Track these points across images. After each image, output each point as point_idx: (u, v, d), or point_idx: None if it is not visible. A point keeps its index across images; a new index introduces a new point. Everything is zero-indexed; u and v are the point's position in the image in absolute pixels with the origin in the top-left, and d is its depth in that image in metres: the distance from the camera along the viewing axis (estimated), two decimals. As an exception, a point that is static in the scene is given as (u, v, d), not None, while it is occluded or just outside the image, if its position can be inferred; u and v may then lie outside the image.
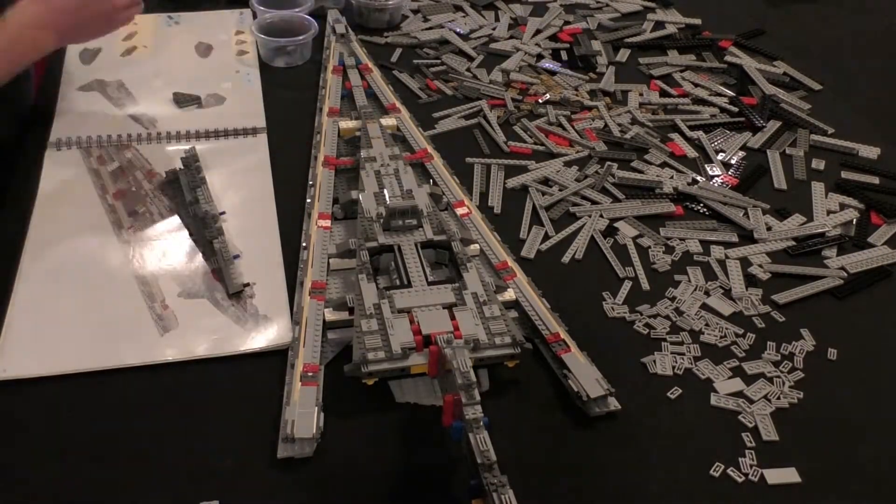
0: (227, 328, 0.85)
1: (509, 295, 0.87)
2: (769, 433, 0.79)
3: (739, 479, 0.75)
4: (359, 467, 0.74)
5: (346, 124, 1.11)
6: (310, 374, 0.78)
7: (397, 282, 0.85)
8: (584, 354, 0.83)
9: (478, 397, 0.67)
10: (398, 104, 1.18)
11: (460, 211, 0.99)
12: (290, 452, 0.73)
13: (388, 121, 1.12)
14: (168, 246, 0.94)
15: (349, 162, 1.05)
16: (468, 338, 0.77)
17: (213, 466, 0.73)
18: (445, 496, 0.72)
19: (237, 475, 0.72)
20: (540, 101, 1.25)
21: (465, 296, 0.82)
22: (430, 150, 1.09)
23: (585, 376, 0.80)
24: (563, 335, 0.84)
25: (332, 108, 1.16)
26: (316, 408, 0.75)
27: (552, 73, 1.33)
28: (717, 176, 1.13)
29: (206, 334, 0.84)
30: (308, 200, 1.00)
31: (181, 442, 0.74)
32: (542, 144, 1.17)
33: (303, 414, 0.74)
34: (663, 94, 1.30)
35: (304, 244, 0.93)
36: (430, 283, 0.84)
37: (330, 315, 0.84)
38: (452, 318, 0.80)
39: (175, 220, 0.98)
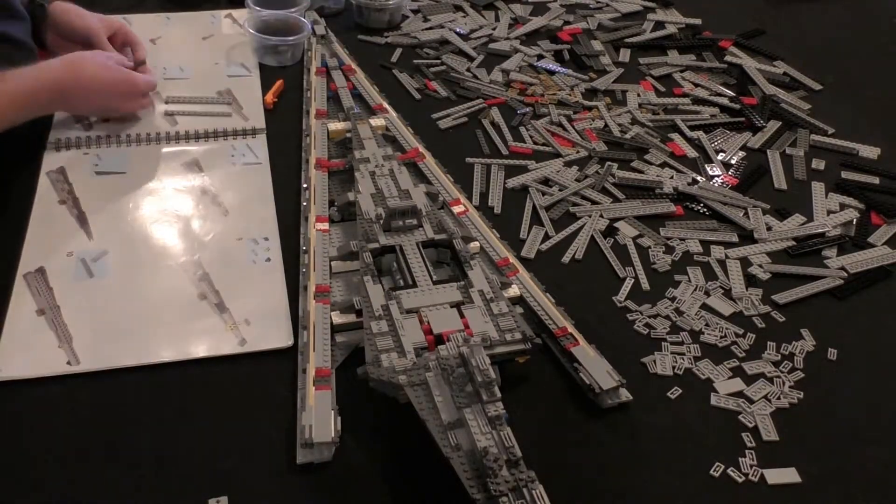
0: (226, 329, 0.85)
1: (513, 291, 0.87)
2: (769, 433, 0.79)
3: (739, 479, 0.75)
4: (365, 468, 0.73)
5: (335, 126, 1.11)
6: (323, 378, 0.78)
7: (401, 282, 0.85)
8: (592, 347, 0.83)
9: (498, 394, 0.67)
10: (385, 104, 1.18)
11: (457, 209, 0.99)
12: (310, 458, 0.72)
13: (376, 121, 1.11)
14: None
15: (341, 164, 1.05)
16: (480, 335, 0.77)
17: (214, 466, 0.72)
18: (462, 496, 0.71)
19: (237, 473, 0.72)
20: (538, 101, 1.25)
21: (472, 293, 0.82)
22: (421, 149, 1.09)
23: (596, 368, 0.80)
24: (571, 329, 0.84)
25: (319, 110, 1.16)
26: (332, 411, 0.74)
27: (552, 72, 1.33)
28: (718, 176, 1.13)
29: (205, 335, 0.84)
30: (304, 204, 0.99)
31: (181, 442, 0.74)
32: (549, 145, 1.16)
33: (320, 418, 0.73)
34: (658, 93, 1.30)
35: (303, 248, 0.92)
36: (435, 283, 0.83)
37: (337, 318, 0.83)
38: (461, 316, 0.79)
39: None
